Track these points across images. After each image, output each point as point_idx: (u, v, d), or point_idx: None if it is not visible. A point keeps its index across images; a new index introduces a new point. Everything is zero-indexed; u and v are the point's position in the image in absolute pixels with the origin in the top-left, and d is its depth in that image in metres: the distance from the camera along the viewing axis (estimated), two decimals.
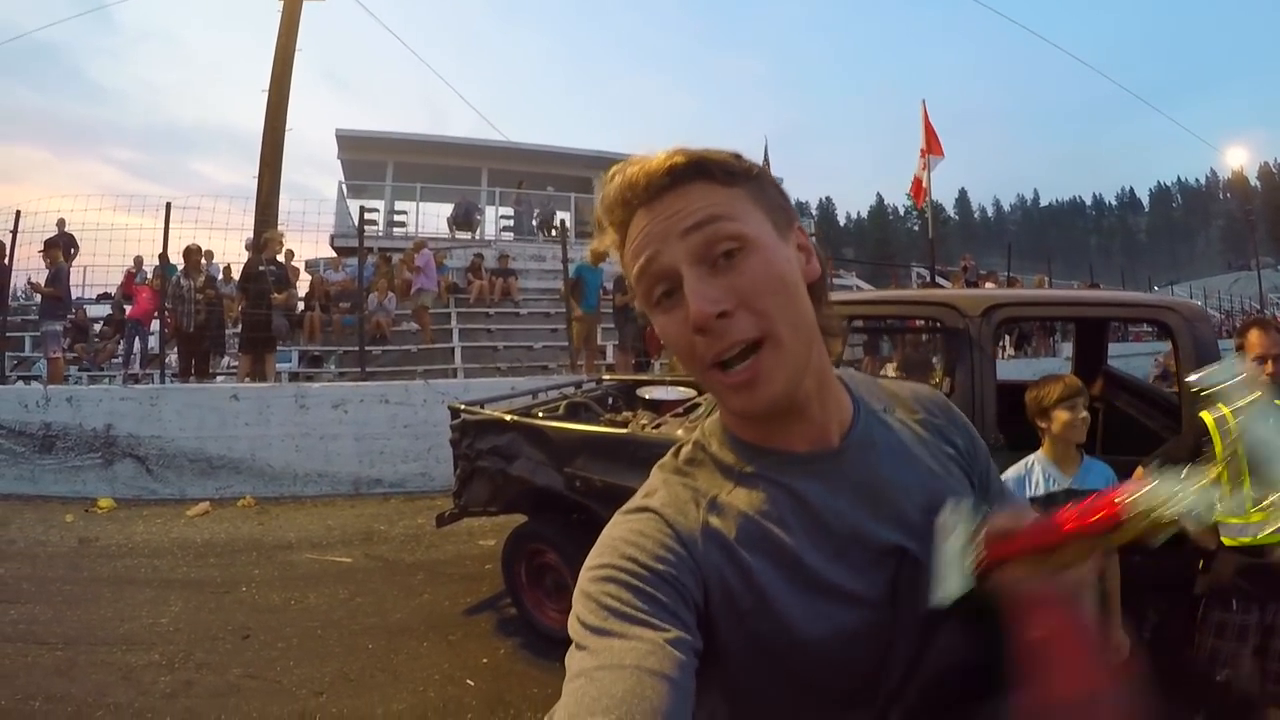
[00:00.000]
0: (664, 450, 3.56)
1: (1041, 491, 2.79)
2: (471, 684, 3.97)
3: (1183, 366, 3.16)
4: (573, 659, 0.71)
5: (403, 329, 12.70)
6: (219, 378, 10.51)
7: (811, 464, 0.86)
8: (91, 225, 11.20)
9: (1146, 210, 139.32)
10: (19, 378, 10.73)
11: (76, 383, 10.74)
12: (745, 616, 0.79)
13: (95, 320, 13.58)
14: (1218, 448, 2.77)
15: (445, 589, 5.38)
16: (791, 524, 0.82)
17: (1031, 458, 2.90)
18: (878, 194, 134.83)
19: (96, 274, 13.39)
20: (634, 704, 0.64)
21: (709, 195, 0.79)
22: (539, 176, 20.67)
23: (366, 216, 19.18)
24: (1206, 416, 2.82)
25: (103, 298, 13.86)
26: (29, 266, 11.00)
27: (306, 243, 17.85)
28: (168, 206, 9.76)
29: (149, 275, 11.47)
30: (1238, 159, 50.17)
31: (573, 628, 0.74)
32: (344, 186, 20.43)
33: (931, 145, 14.50)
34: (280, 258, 12.42)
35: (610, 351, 12.19)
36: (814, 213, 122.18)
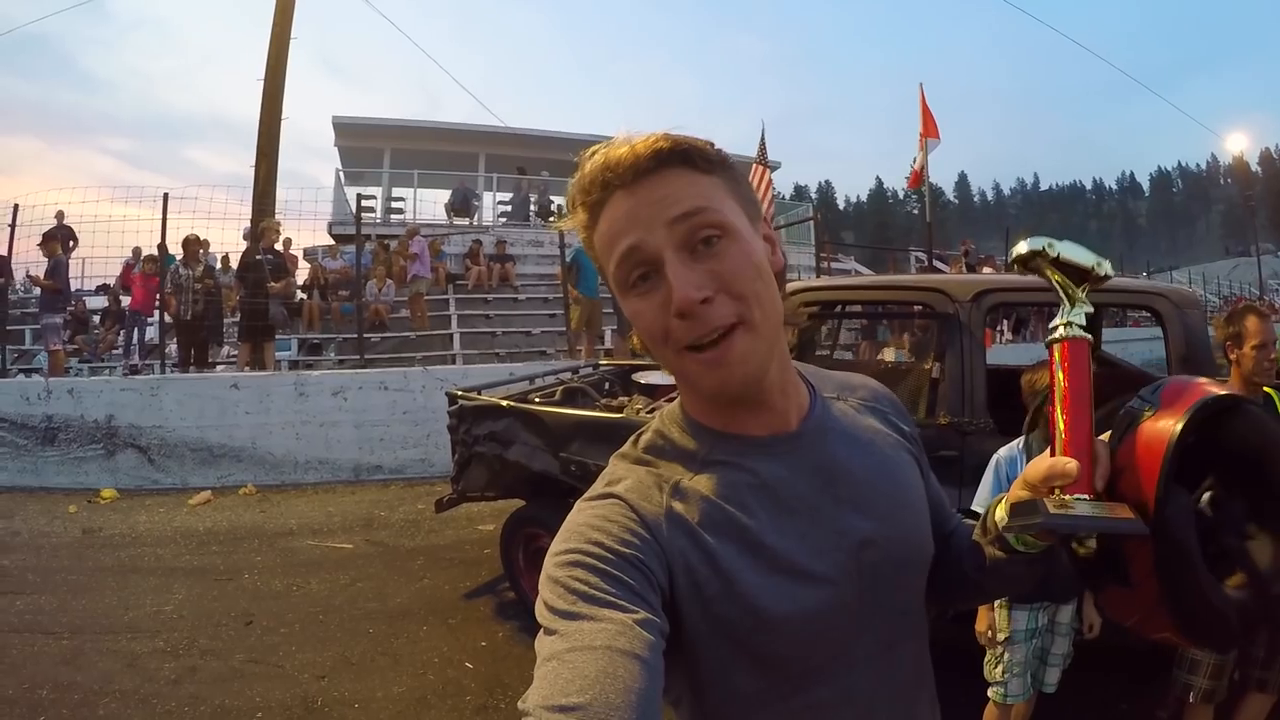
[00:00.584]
0: None
1: None
2: (470, 666, 4.03)
3: (1173, 353, 3.16)
4: (542, 644, 0.71)
5: (402, 315, 12.73)
6: (219, 367, 10.54)
7: (771, 447, 0.88)
8: (89, 217, 11.26)
9: (1147, 195, 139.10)
10: (20, 370, 10.78)
11: (77, 374, 10.78)
12: (710, 601, 0.80)
13: (94, 312, 13.61)
14: None
15: (445, 574, 5.44)
16: (754, 506, 0.84)
17: (1018, 441, 2.87)
18: (877, 177, 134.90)
19: (96, 265, 13.39)
20: (607, 683, 0.64)
21: (693, 183, 0.80)
22: (537, 161, 20.56)
23: (364, 204, 19.36)
24: None
25: (101, 289, 13.86)
26: (28, 259, 11.07)
27: (305, 231, 17.75)
28: (165, 197, 9.82)
29: (146, 266, 11.46)
30: (1238, 144, 49.83)
31: (540, 613, 0.75)
32: (341, 174, 20.38)
33: (928, 128, 14.43)
34: (279, 246, 12.47)
35: (609, 336, 12.21)
36: (813, 196, 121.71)
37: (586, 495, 0.88)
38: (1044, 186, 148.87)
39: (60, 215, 12.15)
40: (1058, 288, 0.91)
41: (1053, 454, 0.84)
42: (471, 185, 19.69)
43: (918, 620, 0.97)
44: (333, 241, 15.95)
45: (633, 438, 0.96)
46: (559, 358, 10.47)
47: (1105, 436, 0.86)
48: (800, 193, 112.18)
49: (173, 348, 10.73)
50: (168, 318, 10.26)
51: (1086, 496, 0.81)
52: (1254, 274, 35.48)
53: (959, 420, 3.30)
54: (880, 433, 0.99)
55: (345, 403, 8.67)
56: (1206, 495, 0.86)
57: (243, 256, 10.38)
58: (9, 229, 10.50)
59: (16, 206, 10.52)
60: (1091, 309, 0.91)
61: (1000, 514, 0.89)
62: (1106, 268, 0.92)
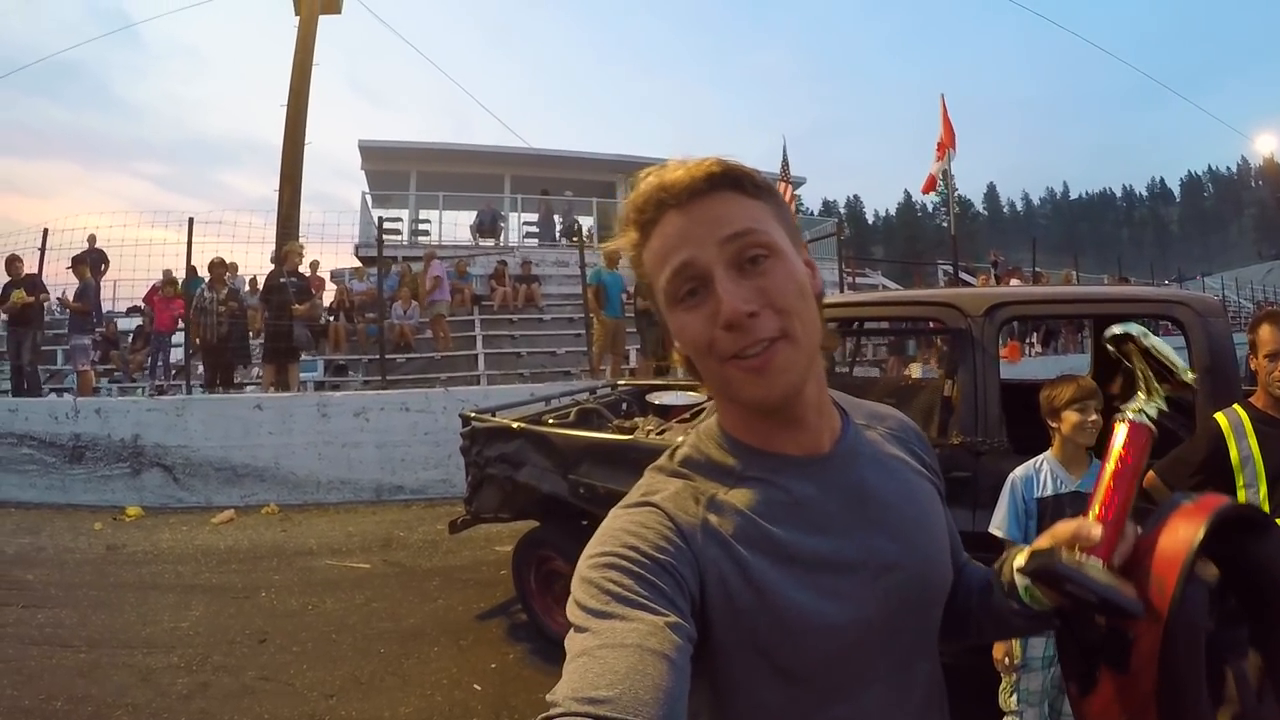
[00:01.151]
0: None
1: (1049, 493, 2.76)
2: (479, 688, 4.02)
3: (1196, 363, 3.04)
4: (573, 641, 0.73)
5: (427, 336, 12.83)
6: (248, 388, 10.68)
7: (805, 467, 0.90)
8: (118, 241, 11.43)
9: (1178, 200, 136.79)
10: (51, 390, 10.97)
11: (107, 394, 10.98)
12: (741, 612, 0.81)
13: (125, 333, 13.86)
14: (1233, 452, 2.67)
15: (459, 594, 5.44)
16: (787, 523, 0.86)
17: (1041, 458, 2.86)
18: (905, 191, 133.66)
19: (127, 288, 13.64)
20: (636, 679, 0.66)
21: (742, 206, 0.84)
22: (562, 182, 20.75)
23: (390, 226, 19.56)
24: (1220, 418, 2.75)
25: (133, 310, 14.13)
26: (60, 282, 11.29)
27: (330, 253, 17.93)
28: (190, 222, 10.00)
29: (167, 289, 11.67)
30: (1268, 146, 49.15)
31: (572, 612, 0.76)
32: (368, 197, 20.63)
33: (948, 138, 14.43)
34: (305, 268, 12.61)
35: (634, 356, 12.22)
36: (842, 210, 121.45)
37: (623, 503, 0.90)
38: (1074, 195, 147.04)
39: (92, 239, 12.39)
40: (1139, 376, 0.96)
41: (1087, 516, 0.89)
42: (497, 206, 19.85)
43: (934, 645, 0.99)
44: (359, 264, 16.13)
45: (669, 451, 0.98)
46: (582, 378, 10.48)
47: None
48: (829, 208, 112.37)
49: (200, 368, 10.88)
50: (193, 339, 10.39)
51: (1101, 563, 0.85)
52: None
53: (972, 440, 3.22)
54: (906, 462, 1.01)
55: (367, 423, 8.71)
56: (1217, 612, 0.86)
57: (266, 279, 10.51)
58: (39, 252, 10.73)
59: (46, 231, 10.79)
60: (1165, 409, 0.94)
61: (1020, 559, 0.94)
62: (1191, 378, 0.97)
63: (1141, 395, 0.94)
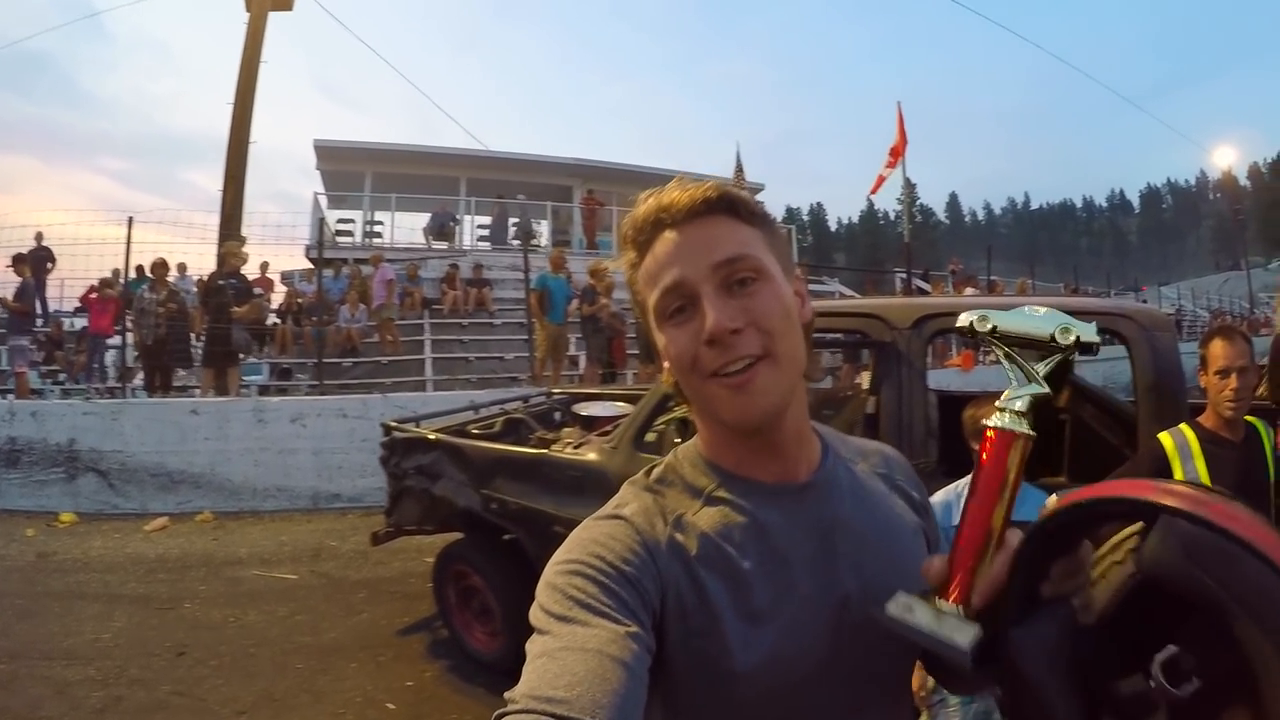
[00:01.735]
0: (578, 473, 3.61)
1: None
2: (391, 708, 4.04)
3: (1140, 381, 2.89)
4: (534, 643, 0.74)
5: (376, 341, 12.76)
6: (196, 391, 10.59)
7: (776, 495, 0.91)
8: (70, 239, 11.33)
9: (1137, 211, 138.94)
10: None
11: (49, 396, 10.83)
12: (693, 633, 0.83)
13: (73, 334, 13.66)
14: (1177, 475, 2.52)
15: (384, 607, 5.48)
16: (749, 550, 0.87)
17: (963, 481, 2.57)
18: (868, 200, 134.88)
19: (77, 287, 13.45)
20: (594, 683, 0.67)
21: (736, 231, 0.87)
22: (518, 185, 20.63)
23: (344, 227, 19.44)
24: (1165, 438, 2.64)
25: (79, 310, 13.94)
26: (6, 280, 11.14)
27: (284, 254, 17.79)
28: (129, 221, 9.96)
29: (103, 289, 11.54)
30: (1226, 159, 50.29)
31: (535, 615, 0.78)
32: (321, 197, 20.43)
33: (901, 145, 14.69)
34: (254, 269, 12.53)
35: (581, 363, 12.24)
36: (805, 218, 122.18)
37: (595, 515, 0.92)
38: (1034, 205, 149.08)
39: (39, 236, 12.26)
40: (1004, 363, 0.82)
41: (953, 542, 0.81)
42: (452, 209, 19.76)
43: (897, 689, 0.98)
44: (311, 265, 16.03)
45: (645, 469, 1.00)
46: (526, 384, 10.50)
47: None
48: (792, 215, 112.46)
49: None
50: (130, 341, 10.26)
51: (951, 605, 0.78)
52: (1244, 288, 35.74)
53: None
54: (888, 498, 1.02)
55: (304, 430, 8.71)
56: (1165, 655, 0.68)
57: (205, 281, 10.42)
58: None
59: None
60: (1045, 390, 0.79)
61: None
62: (1076, 334, 0.77)
63: (1012, 384, 0.80)
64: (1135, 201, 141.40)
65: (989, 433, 0.78)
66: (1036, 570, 0.75)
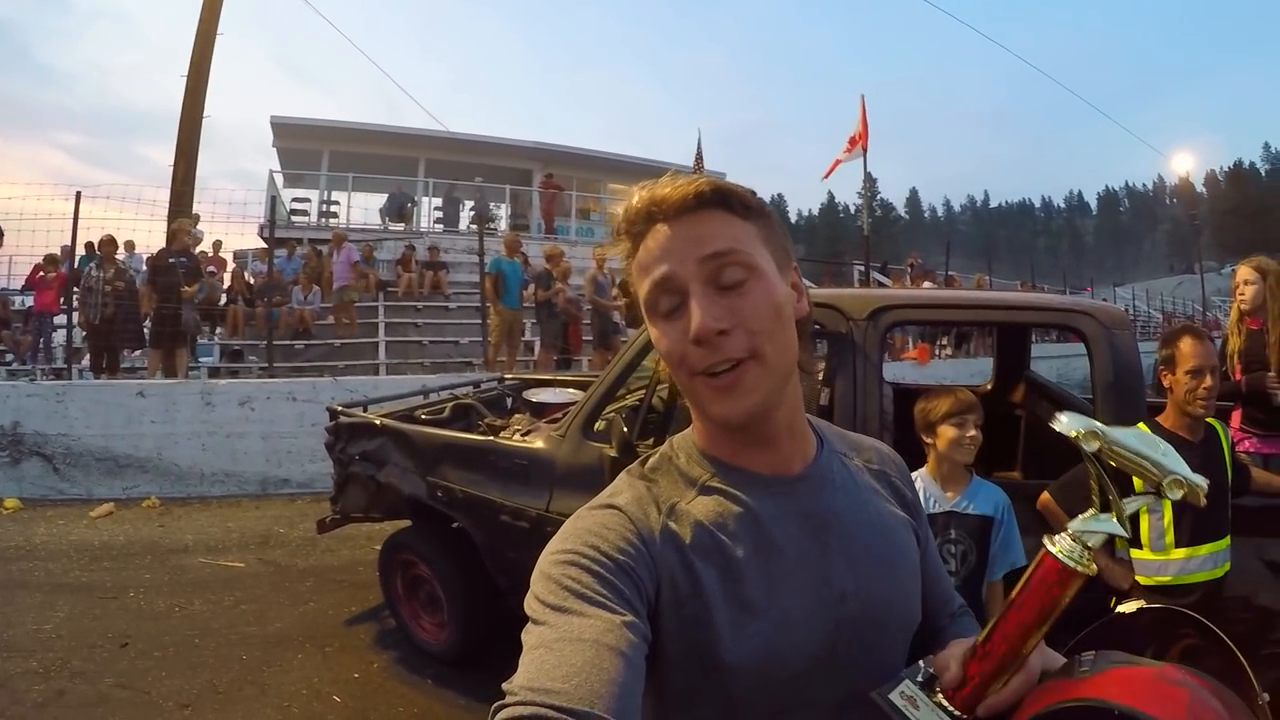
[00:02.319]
0: (525, 461, 3.60)
1: None
2: (338, 700, 4.01)
3: (1099, 379, 2.88)
4: (530, 634, 0.75)
5: (329, 323, 12.63)
6: (144, 373, 10.38)
7: (770, 485, 0.92)
8: (18, 214, 11.00)
9: (1094, 213, 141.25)
10: None
11: None
12: (686, 621, 0.84)
13: (19, 313, 13.31)
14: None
15: (332, 597, 5.46)
16: (743, 539, 0.88)
17: (915, 474, 2.52)
18: (829, 192, 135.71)
19: (26, 264, 13.07)
20: (592, 673, 0.67)
21: (728, 226, 0.86)
22: (477, 167, 20.44)
23: (299, 206, 19.15)
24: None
25: (26, 289, 13.58)
26: None
27: (238, 233, 17.51)
28: (77, 196, 9.70)
29: (47, 267, 11.28)
30: (1184, 165, 51.66)
31: (530, 606, 0.78)
32: (276, 175, 20.11)
33: (862, 137, 14.80)
34: (207, 247, 12.25)
35: (537, 348, 12.23)
36: None
37: (589, 505, 0.92)
38: (994, 204, 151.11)
39: None
40: (1094, 485, 0.78)
41: (975, 646, 0.83)
42: (410, 190, 19.57)
43: None
44: (264, 244, 15.80)
45: (641, 459, 1.01)
46: (479, 369, 10.48)
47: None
48: None
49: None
50: (76, 320, 10.02)
51: (955, 711, 0.80)
52: (1198, 291, 36.53)
53: None
54: (880, 495, 1.03)
55: (253, 413, 8.61)
56: None
57: (153, 260, 10.20)
58: None
59: None
60: (1126, 533, 0.75)
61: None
62: (1183, 491, 0.74)
63: (1093, 512, 0.77)
64: (1093, 203, 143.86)
65: (1049, 559, 0.75)
66: None
